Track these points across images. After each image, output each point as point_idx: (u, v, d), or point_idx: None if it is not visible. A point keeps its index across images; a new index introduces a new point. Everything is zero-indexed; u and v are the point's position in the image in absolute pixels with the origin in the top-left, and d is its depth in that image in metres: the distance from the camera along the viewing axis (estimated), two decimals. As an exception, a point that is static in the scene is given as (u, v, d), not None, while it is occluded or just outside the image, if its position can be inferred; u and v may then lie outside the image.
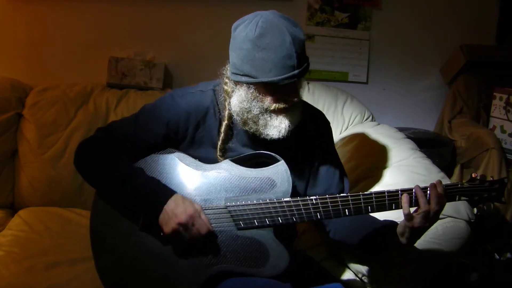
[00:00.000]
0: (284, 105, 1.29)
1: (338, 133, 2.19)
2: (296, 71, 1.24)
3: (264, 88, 1.27)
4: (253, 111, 1.30)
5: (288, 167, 1.34)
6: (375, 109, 2.39)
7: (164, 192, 1.30)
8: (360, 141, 2.02)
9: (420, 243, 1.54)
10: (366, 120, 2.26)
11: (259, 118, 1.30)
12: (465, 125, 2.58)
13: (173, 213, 1.26)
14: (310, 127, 1.45)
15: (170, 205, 1.27)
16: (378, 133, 2.03)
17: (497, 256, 2.22)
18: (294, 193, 1.42)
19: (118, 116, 2.08)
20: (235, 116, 1.35)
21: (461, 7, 2.72)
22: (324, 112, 2.14)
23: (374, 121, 2.28)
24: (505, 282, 2.17)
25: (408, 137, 2.06)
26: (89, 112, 2.10)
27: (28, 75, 2.29)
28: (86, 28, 2.35)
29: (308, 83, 2.30)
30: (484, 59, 2.71)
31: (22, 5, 2.27)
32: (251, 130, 1.34)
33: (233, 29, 1.31)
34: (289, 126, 1.30)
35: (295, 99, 1.29)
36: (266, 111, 1.30)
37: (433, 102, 2.82)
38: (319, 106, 2.09)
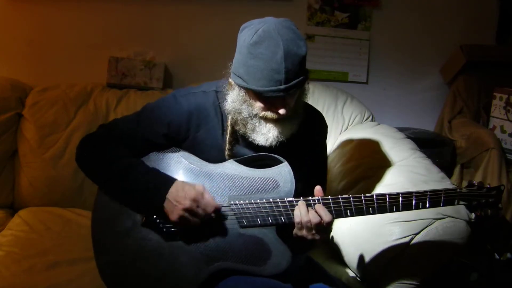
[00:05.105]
0: (272, 116, 1.29)
1: (338, 133, 2.19)
2: (282, 87, 1.23)
3: (254, 95, 1.28)
4: (243, 113, 1.31)
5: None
6: (375, 109, 2.39)
7: (164, 180, 1.31)
8: (360, 141, 2.01)
9: (420, 243, 1.54)
10: (366, 120, 2.25)
11: (248, 122, 1.31)
12: (465, 125, 2.57)
13: (176, 200, 1.27)
14: (309, 129, 1.45)
15: (172, 193, 1.28)
16: (378, 133, 2.03)
17: (497, 256, 2.22)
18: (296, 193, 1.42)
19: (118, 116, 2.08)
20: (228, 115, 1.35)
21: (461, 7, 2.72)
22: (324, 112, 2.16)
23: (374, 121, 2.28)
24: (505, 282, 2.17)
25: (408, 137, 2.05)
26: (89, 112, 2.10)
27: (28, 75, 2.29)
28: (86, 28, 2.35)
29: (308, 83, 2.29)
30: (484, 59, 2.70)
31: (22, 5, 2.27)
32: (240, 132, 1.35)
33: (240, 30, 1.31)
34: (277, 137, 1.30)
35: (283, 112, 1.27)
36: (255, 116, 1.30)
37: (433, 102, 2.81)
38: (319, 106, 2.09)
